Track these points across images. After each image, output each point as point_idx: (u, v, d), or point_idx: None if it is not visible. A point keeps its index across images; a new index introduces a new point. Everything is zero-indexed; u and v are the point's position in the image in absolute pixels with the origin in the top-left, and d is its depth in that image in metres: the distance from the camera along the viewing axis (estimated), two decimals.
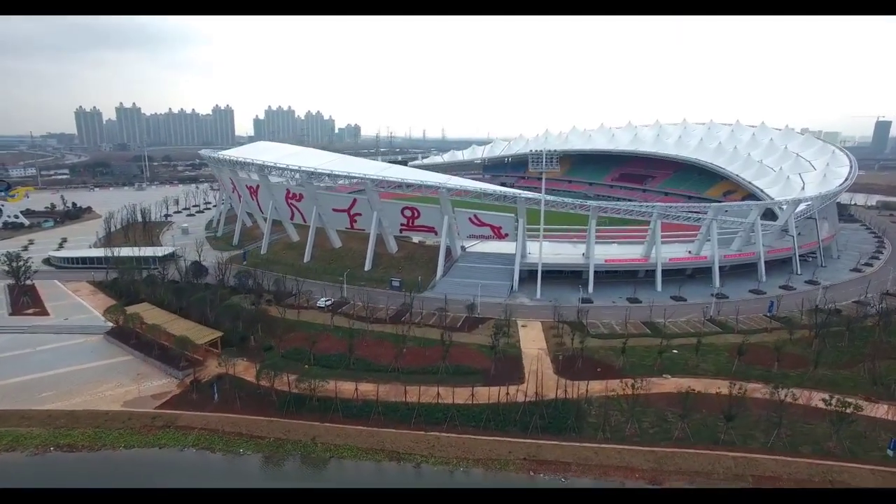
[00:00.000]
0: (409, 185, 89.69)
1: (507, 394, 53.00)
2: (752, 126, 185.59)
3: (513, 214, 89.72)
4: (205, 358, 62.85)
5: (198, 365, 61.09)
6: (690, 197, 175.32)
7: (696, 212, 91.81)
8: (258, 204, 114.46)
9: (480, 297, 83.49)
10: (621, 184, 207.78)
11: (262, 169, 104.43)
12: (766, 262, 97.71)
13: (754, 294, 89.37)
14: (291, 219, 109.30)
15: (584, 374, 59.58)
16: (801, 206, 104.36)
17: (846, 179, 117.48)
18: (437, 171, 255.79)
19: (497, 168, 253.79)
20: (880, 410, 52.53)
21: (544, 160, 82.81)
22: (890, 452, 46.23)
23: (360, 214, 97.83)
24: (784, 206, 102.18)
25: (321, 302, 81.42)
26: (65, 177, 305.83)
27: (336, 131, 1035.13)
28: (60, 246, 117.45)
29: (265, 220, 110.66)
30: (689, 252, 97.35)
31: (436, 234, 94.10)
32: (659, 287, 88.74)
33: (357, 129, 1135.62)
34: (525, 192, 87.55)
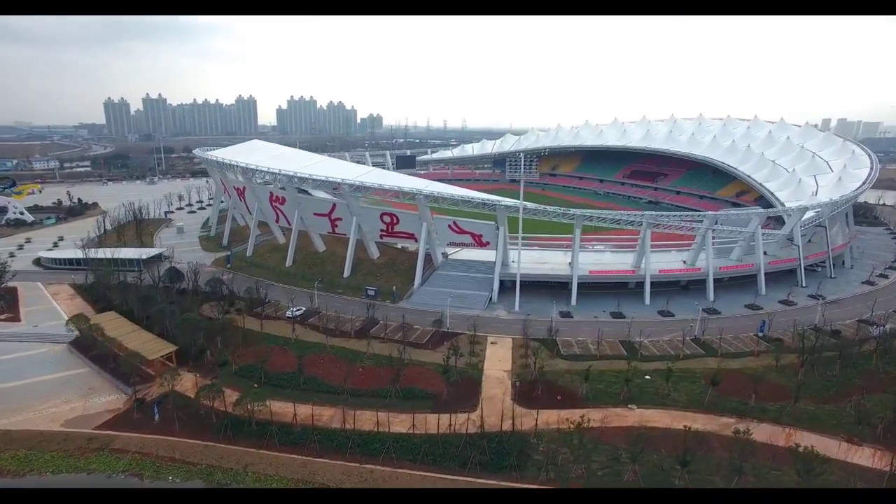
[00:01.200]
0: (385, 190, 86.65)
1: (451, 424, 50.14)
2: (771, 122, 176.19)
3: (494, 222, 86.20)
4: (160, 373, 61.68)
5: (150, 381, 59.99)
6: (702, 196, 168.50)
7: (689, 220, 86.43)
8: (246, 205, 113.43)
9: (457, 309, 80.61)
10: (632, 181, 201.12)
11: (246, 171, 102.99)
12: (770, 274, 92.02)
13: (750, 309, 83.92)
14: (277, 221, 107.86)
15: (542, 402, 56.16)
16: (810, 214, 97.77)
17: (863, 183, 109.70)
18: (448, 165, 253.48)
19: (505, 163, 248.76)
20: (860, 455, 47.87)
21: (522, 166, 78.74)
22: None
23: (340, 219, 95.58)
24: (789, 214, 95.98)
25: (290, 311, 79.66)
26: (85, 169, 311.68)
27: (358, 121, 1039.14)
28: (55, 245, 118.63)
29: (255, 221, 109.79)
30: (685, 262, 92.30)
31: (416, 240, 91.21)
32: (647, 300, 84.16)
33: (378, 119, 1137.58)
34: (505, 199, 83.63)
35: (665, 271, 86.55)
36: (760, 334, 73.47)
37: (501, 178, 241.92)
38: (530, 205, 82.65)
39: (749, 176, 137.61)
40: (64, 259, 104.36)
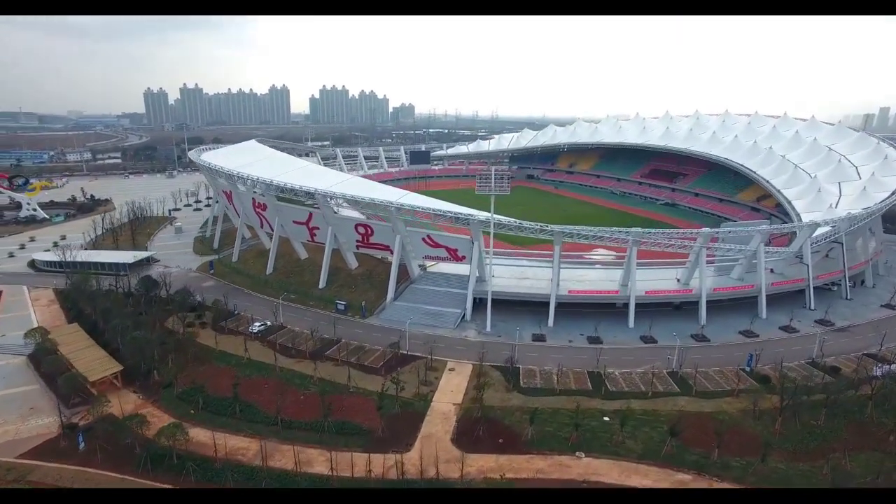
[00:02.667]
0: (357, 202, 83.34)
1: (370, 470, 46.87)
2: (802, 119, 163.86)
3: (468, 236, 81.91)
4: (105, 394, 60.67)
5: (89, 403, 58.87)
6: (722, 200, 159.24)
7: (680, 238, 79.76)
8: (234, 209, 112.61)
9: (425, 328, 77.42)
10: (650, 181, 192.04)
11: (230, 176, 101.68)
12: (776, 295, 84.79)
13: (744, 336, 77.04)
14: (262, 227, 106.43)
15: (484, 444, 52.34)
16: (823, 229, 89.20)
17: (892, 195, 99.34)
18: (464, 161, 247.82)
19: (524, 159, 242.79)
20: None
21: (493, 181, 73.79)
22: None
23: (318, 228, 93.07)
24: (799, 230, 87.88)
25: (254, 327, 77.89)
26: (115, 160, 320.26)
27: (390, 110, 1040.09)
28: (55, 245, 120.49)
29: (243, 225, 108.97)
30: (678, 280, 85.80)
31: (392, 252, 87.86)
32: (631, 323, 78.43)
33: (410, 108, 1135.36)
34: (480, 212, 79.06)
35: (652, 292, 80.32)
36: (747, 369, 67.08)
37: (518, 175, 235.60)
38: (504, 219, 77.82)
39: (767, 181, 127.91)
40: (57, 262, 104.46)
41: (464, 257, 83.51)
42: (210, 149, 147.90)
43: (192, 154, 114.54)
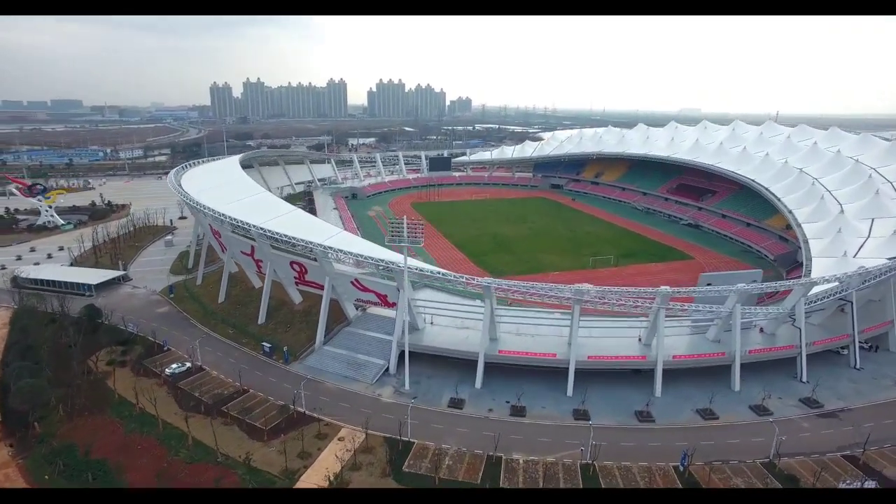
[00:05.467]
0: (285, 242, 78.85)
1: None
2: (855, 133, 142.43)
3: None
4: None
5: None
6: (749, 224, 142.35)
7: (634, 298, 68.91)
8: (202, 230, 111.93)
9: (343, 380, 72.34)
10: (677, 197, 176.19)
11: (188, 200, 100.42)
12: (760, 364, 72.65)
13: (700, 416, 65.73)
14: (223, 251, 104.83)
15: None
16: (821, 288, 75.09)
17: None
18: (487, 167, 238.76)
19: (548, 167, 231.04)
20: None
21: (405, 231, 66.31)
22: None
23: (261, 261, 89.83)
24: (795, 287, 74.42)
25: (171, 368, 75.53)
26: (165, 156, 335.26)
27: (447, 104, 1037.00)
28: (49, 257, 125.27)
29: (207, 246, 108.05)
30: (640, 340, 75.13)
31: None
32: (570, 391, 68.99)
33: (468, 101, 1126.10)
34: (411, 262, 71.98)
35: (596, 357, 70.23)
36: (681, 468, 56.55)
37: (542, 184, 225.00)
38: (427, 268, 70.62)
39: (790, 211, 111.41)
40: (39, 280, 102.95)
41: (394, 304, 77.09)
42: (214, 159, 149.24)
43: (171, 176, 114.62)
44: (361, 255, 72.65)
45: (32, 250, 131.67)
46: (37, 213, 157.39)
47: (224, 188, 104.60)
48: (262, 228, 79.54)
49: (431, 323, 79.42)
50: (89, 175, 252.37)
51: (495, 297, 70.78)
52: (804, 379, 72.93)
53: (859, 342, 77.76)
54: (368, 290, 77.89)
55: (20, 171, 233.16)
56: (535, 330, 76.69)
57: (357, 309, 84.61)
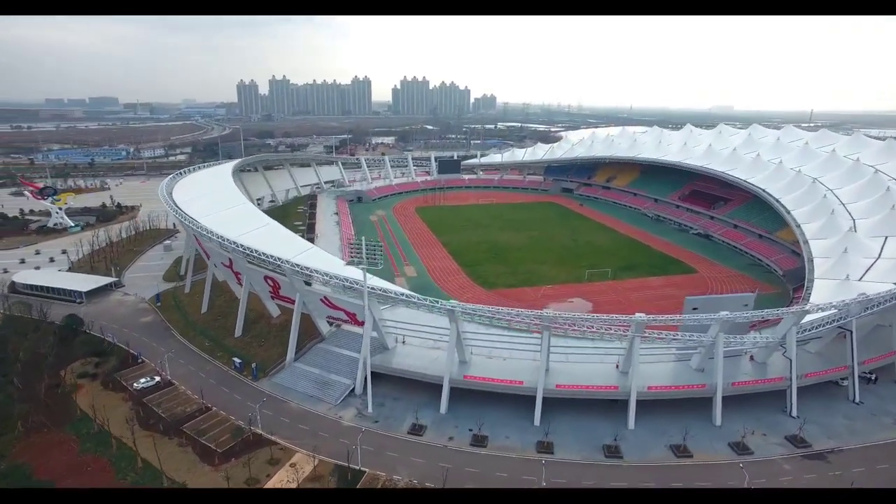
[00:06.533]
0: (251, 257, 77.75)
1: None
2: (878, 138, 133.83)
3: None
4: None
5: None
6: (761, 236, 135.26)
7: (606, 325, 65.20)
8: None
9: (307, 400, 70.91)
10: (689, 204, 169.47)
11: (173, 210, 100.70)
12: (750, 396, 68.26)
13: (672, 453, 61.68)
14: (209, 259, 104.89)
15: None
16: (814, 316, 69.83)
17: None
18: (497, 169, 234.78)
19: (560, 170, 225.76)
20: None
21: (364, 252, 64.16)
22: None
23: (239, 273, 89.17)
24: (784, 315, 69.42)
25: (139, 383, 75.34)
26: (184, 157, 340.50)
27: (471, 101, 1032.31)
28: (51, 260, 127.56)
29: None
30: (618, 367, 71.37)
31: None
32: (537, 420, 65.62)
33: (493, 99, 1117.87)
34: (374, 283, 69.91)
35: (564, 386, 66.79)
36: None
37: (552, 188, 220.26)
38: (393, 289, 68.43)
39: (798, 226, 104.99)
40: (36, 286, 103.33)
41: (363, 322, 75.19)
42: (208, 165, 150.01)
43: (164, 182, 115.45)
44: (327, 274, 70.86)
45: (37, 253, 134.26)
46: (49, 214, 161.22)
47: (209, 197, 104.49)
48: (234, 242, 78.77)
49: (403, 342, 77.45)
50: (109, 175, 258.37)
51: (461, 319, 68.11)
52: (794, 413, 68.02)
53: (860, 373, 72.25)
54: (338, 307, 76.18)
55: (45, 171, 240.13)
56: (508, 353, 73.69)
57: (331, 325, 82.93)
